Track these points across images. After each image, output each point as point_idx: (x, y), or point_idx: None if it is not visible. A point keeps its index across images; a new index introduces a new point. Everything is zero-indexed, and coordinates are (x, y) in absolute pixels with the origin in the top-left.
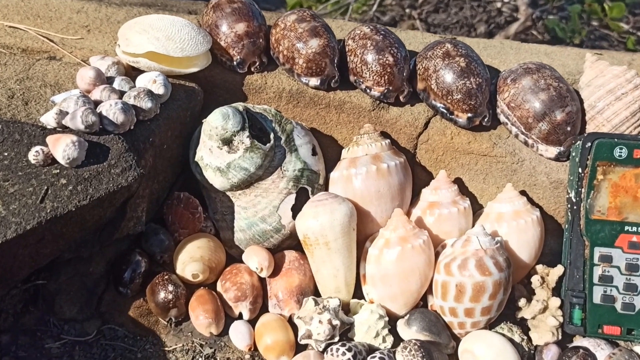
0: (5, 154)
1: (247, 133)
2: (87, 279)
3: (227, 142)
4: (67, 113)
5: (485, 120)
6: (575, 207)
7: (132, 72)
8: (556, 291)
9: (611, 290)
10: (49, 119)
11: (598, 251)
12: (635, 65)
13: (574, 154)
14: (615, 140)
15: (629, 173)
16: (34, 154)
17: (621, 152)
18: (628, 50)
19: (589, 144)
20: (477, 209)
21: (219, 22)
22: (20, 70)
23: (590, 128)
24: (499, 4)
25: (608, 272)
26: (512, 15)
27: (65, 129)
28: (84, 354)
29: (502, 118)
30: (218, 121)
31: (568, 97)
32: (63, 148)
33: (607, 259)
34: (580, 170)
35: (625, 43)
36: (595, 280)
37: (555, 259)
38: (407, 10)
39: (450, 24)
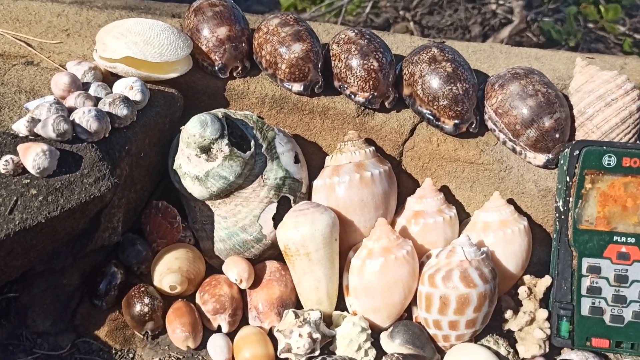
0: None
1: (226, 141)
2: (61, 291)
3: (206, 150)
4: (39, 121)
5: (472, 126)
6: (563, 217)
7: (110, 78)
8: (544, 302)
9: (599, 302)
10: (20, 127)
11: (586, 262)
12: (627, 69)
13: (562, 162)
14: (604, 148)
15: (618, 182)
16: (4, 163)
17: (610, 160)
18: (625, 53)
19: (577, 152)
20: (463, 218)
21: (200, 26)
22: None
23: (579, 135)
24: (493, 6)
25: (596, 283)
26: (507, 17)
27: (37, 137)
28: None
29: (489, 124)
30: (196, 129)
31: (557, 104)
32: (33, 157)
33: (595, 270)
34: (568, 178)
35: (622, 45)
36: (584, 291)
37: (544, 268)
38: (401, 12)
39: (445, 26)
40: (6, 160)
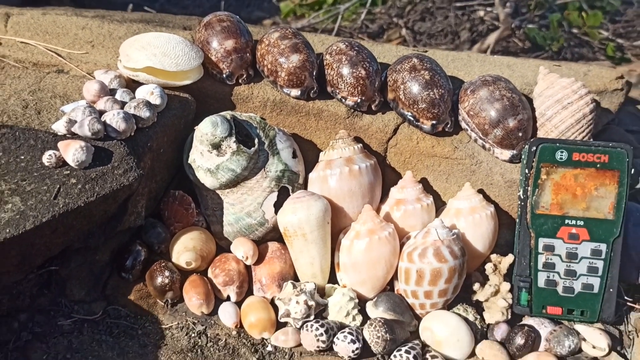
0: (22, 157)
1: (233, 139)
2: (94, 266)
3: (216, 146)
4: (75, 122)
5: (448, 126)
6: (523, 203)
7: (132, 84)
8: (508, 277)
9: (553, 275)
10: (59, 127)
11: (542, 242)
12: (590, 75)
13: (523, 157)
14: (557, 144)
15: (569, 173)
16: (47, 157)
17: (562, 155)
18: (608, 57)
19: (534, 148)
20: (440, 206)
21: (210, 39)
22: (33, 83)
23: (540, 133)
24: (482, 13)
25: (551, 260)
26: (494, 24)
27: (74, 136)
28: (92, 330)
29: (463, 125)
30: (208, 128)
31: (520, 107)
32: (73, 152)
33: (550, 249)
34: (527, 171)
35: (605, 49)
36: (540, 267)
37: (510, 249)
38: (395, 19)
39: (436, 32)
40: (49, 155)
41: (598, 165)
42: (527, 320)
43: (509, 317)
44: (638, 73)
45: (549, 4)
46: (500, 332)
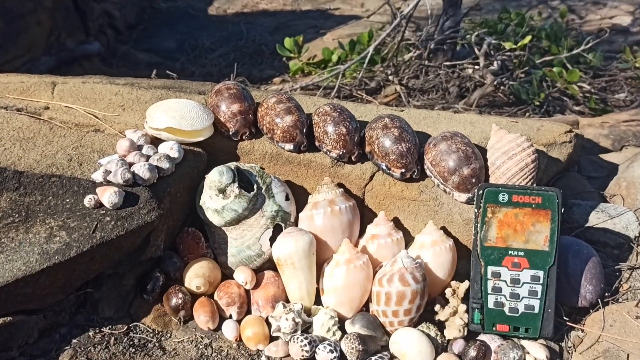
0: (68, 200)
1: (236, 185)
2: (121, 289)
3: (222, 191)
4: (110, 172)
5: (415, 174)
6: (475, 237)
7: (156, 141)
8: (465, 299)
9: (501, 298)
10: (97, 176)
11: (490, 269)
12: (542, 130)
13: (474, 199)
14: (499, 188)
15: (510, 212)
16: (88, 200)
17: (504, 197)
18: (590, 109)
19: (481, 192)
20: (410, 240)
21: (219, 103)
22: (75, 140)
23: (492, 179)
24: (470, 71)
25: (498, 285)
26: (481, 80)
27: (109, 183)
28: (118, 343)
29: (428, 172)
30: (215, 176)
31: (473, 157)
32: (108, 196)
33: (496, 275)
34: (476, 210)
35: (588, 102)
36: (489, 290)
37: (468, 277)
38: (391, 77)
39: (428, 88)
40: (89, 198)
41: (533, 206)
42: (480, 337)
43: (465, 333)
44: (610, 124)
45: (532, 62)
46: (458, 346)
